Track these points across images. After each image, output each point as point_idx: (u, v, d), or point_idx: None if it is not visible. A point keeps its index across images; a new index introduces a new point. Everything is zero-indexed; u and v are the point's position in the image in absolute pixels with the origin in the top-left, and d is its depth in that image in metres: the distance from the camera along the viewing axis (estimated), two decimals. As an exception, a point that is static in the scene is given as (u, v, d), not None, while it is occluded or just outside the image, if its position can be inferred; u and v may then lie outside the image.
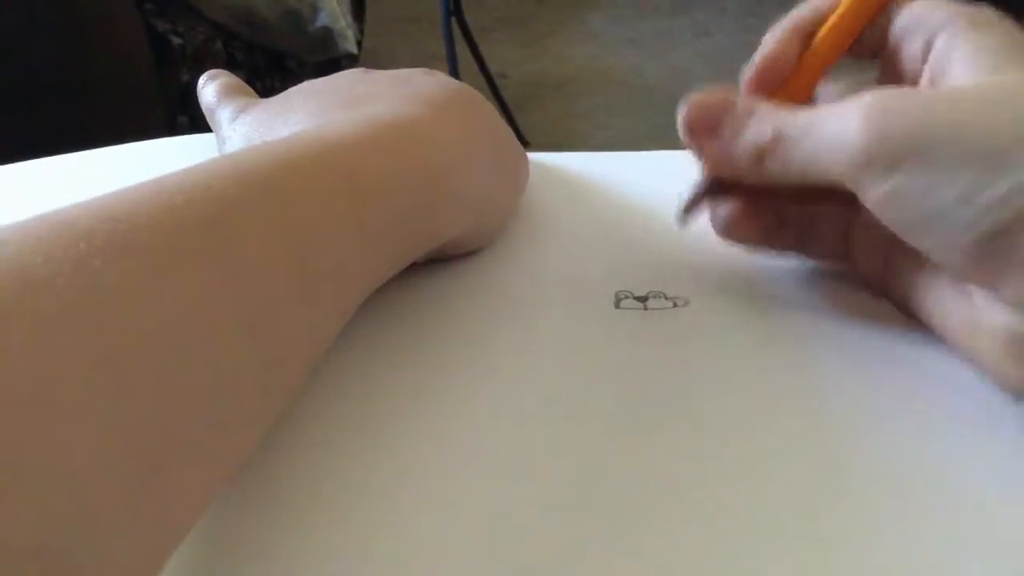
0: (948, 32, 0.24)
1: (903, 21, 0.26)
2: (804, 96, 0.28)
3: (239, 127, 0.29)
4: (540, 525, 0.20)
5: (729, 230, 0.28)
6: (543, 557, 0.20)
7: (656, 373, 0.25)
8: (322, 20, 1.18)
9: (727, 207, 0.28)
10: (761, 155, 0.25)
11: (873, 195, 0.22)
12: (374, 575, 0.19)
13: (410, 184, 0.25)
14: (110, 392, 0.15)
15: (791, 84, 0.28)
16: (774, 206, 0.28)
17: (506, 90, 1.77)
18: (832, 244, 0.28)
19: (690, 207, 0.28)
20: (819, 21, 0.28)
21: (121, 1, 0.87)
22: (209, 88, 0.32)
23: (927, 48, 0.25)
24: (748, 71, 0.28)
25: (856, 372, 0.25)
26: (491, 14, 2.25)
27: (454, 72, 1.65)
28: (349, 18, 1.25)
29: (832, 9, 0.28)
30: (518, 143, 0.34)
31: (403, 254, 0.26)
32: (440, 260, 0.30)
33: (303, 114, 0.28)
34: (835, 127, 0.23)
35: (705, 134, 0.26)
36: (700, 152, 0.27)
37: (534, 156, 0.38)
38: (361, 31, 1.34)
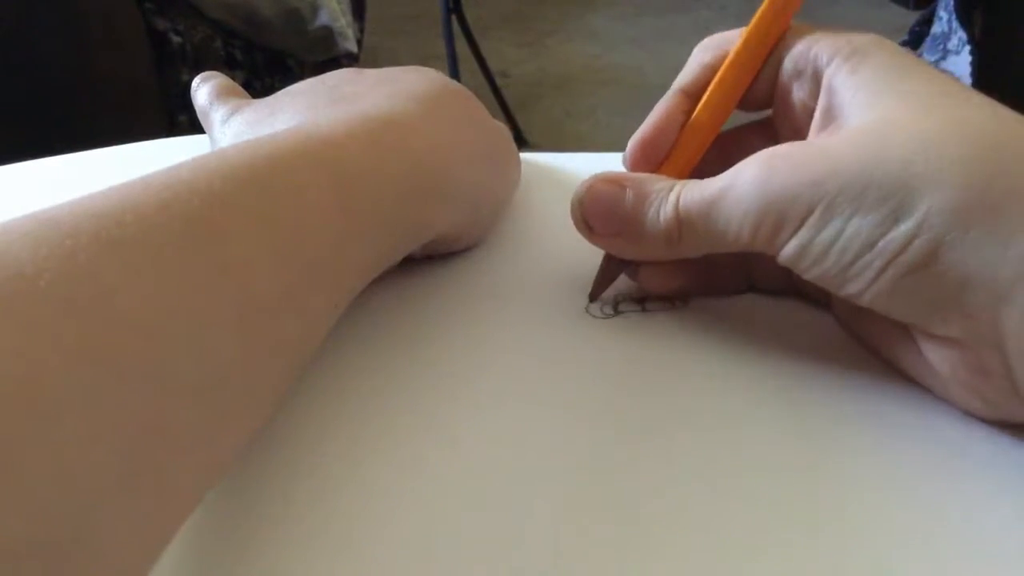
0: (833, 66, 0.24)
1: (792, 64, 0.26)
2: (689, 167, 0.27)
3: (230, 128, 0.29)
4: (532, 523, 0.21)
5: (656, 288, 0.28)
6: (533, 555, 0.20)
7: (654, 375, 0.25)
8: (322, 19, 1.18)
9: (646, 272, 0.27)
10: (669, 240, 0.24)
11: (783, 256, 0.23)
12: (367, 573, 0.19)
13: (397, 176, 0.25)
14: (98, 387, 0.15)
15: (674, 156, 0.27)
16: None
17: (506, 89, 1.77)
18: (769, 277, 0.28)
19: (596, 293, 0.28)
20: (705, 82, 0.27)
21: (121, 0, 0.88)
22: (203, 90, 0.32)
23: (816, 85, 0.25)
24: (631, 144, 0.27)
25: (856, 374, 0.25)
26: (492, 13, 2.25)
27: (454, 71, 1.65)
28: (349, 17, 1.25)
29: (718, 65, 0.27)
30: (510, 139, 0.34)
31: (394, 246, 0.26)
32: (438, 257, 0.30)
33: (291, 113, 0.28)
34: (732, 201, 0.23)
35: (606, 231, 0.26)
36: (605, 248, 0.26)
37: (533, 156, 0.38)
38: (361, 30, 1.34)
